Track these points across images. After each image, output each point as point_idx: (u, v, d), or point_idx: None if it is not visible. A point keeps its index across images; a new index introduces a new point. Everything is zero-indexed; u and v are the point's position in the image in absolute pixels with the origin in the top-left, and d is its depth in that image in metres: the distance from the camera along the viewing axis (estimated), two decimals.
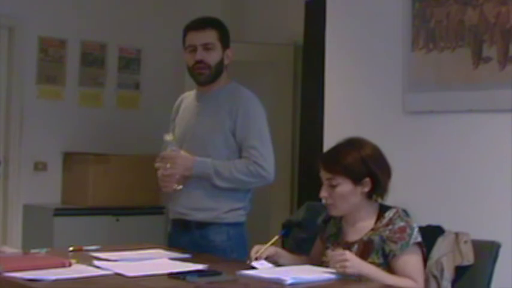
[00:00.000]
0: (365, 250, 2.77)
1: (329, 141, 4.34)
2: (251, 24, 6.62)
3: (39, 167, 6.09)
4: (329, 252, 2.81)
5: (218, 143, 3.37)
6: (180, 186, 3.37)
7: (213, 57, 3.40)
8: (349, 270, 2.63)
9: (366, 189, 2.82)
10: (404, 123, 4.06)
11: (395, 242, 2.74)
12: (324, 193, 2.84)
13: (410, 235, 2.74)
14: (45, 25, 6.11)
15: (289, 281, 2.57)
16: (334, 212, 2.88)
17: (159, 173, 3.39)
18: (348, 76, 4.43)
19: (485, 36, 3.68)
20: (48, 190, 6.12)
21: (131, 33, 6.52)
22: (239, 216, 3.40)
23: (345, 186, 2.80)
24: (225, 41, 3.45)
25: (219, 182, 3.33)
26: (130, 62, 6.58)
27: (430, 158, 3.94)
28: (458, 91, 3.80)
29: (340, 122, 4.38)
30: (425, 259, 2.82)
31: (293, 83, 6.37)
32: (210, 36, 3.41)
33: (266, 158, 3.35)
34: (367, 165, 2.81)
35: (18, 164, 6.01)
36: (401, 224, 2.77)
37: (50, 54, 6.16)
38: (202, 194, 3.36)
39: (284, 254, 3.00)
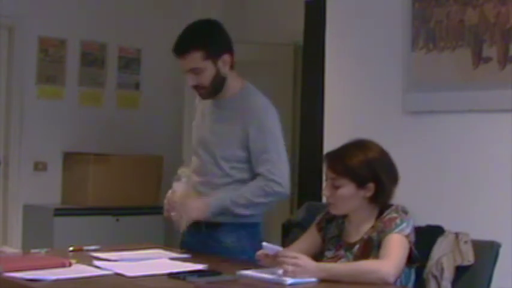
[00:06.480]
0: (366, 249, 2.76)
1: (329, 141, 4.34)
2: (251, 24, 6.61)
3: (39, 167, 6.10)
4: (282, 252, 2.70)
5: (227, 154, 3.26)
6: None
7: (204, 78, 3.23)
8: (299, 276, 2.58)
9: (369, 194, 2.78)
10: (404, 123, 4.06)
11: (383, 231, 2.72)
12: (326, 192, 2.82)
13: (397, 225, 2.70)
14: (45, 25, 6.11)
15: (289, 281, 2.57)
16: (335, 211, 2.86)
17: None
18: (348, 76, 4.43)
19: (485, 36, 3.68)
20: (48, 190, 6.12)
21: (131, 33, 6.53)
22: (254, 217, 3.31)
23: (347, 188, 2.77)
24: (214, 54, 3.23)
25: (240, 211, 3.25)
26: (130, 62, 6.58)
27: (430, 157, 3.94)
28: (458, 91, 3.80)
29: (340, 122, 4.38)
30: (415, 260, 2.76)
31: (293, 83, 6.38)
32: (195, 60, 3.20)
33: (282, 172, 3.23)
34: (372, 169, 2.76)
35: (18, 164, 6.01)
36: (394, 215, 2.74)
37: (50, 54, 6.16)
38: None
39: None
